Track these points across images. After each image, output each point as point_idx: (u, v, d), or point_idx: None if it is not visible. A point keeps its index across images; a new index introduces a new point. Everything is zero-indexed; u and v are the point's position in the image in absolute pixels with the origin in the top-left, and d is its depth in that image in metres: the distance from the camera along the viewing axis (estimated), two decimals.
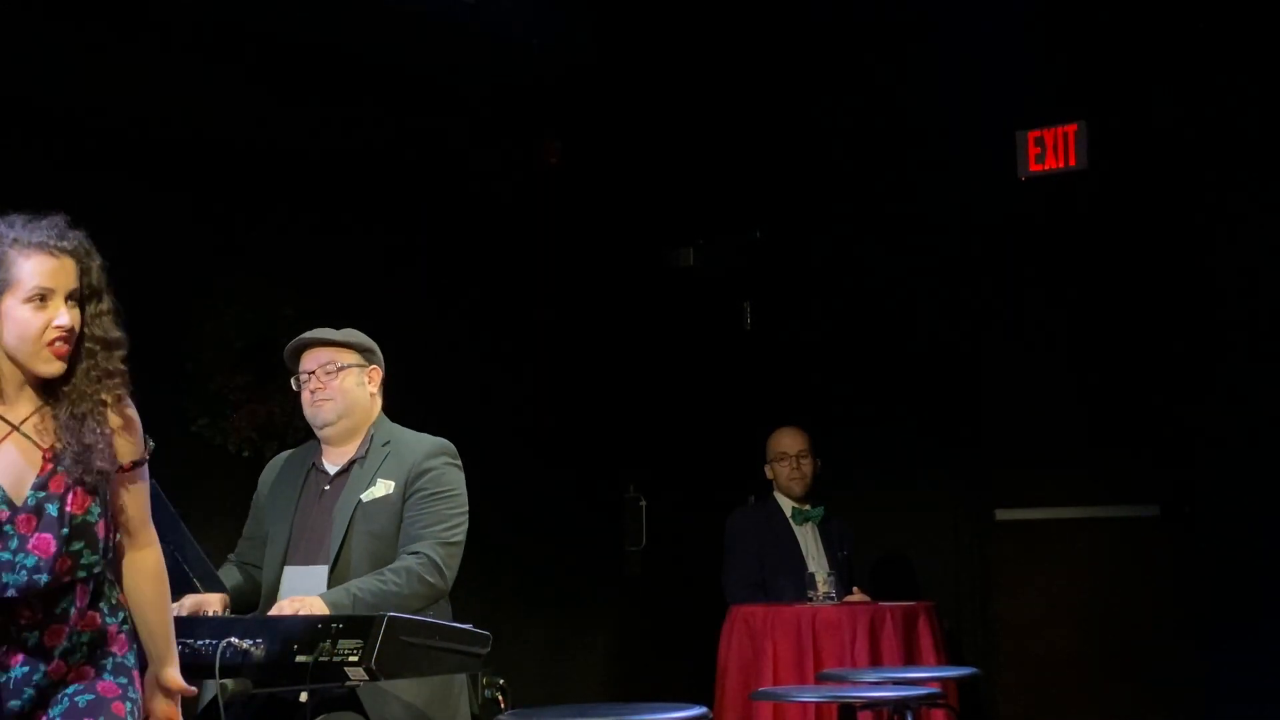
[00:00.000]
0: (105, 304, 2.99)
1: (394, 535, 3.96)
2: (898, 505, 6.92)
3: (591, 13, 6.41)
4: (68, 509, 2.88)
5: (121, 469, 2.98)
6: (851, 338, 7.15)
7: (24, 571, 2.84)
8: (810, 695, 4.93)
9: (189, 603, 3.79)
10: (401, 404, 4.26)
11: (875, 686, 4.66)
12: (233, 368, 5.44)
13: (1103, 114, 6.51)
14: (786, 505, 6.41)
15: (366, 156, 5.92)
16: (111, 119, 5.00)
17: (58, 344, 2.90)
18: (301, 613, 3.58)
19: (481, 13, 5.85)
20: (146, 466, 3.06)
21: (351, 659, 3.23)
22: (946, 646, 6.12)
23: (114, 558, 3.01)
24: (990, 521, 6.88)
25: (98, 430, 2.92)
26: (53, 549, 2.86)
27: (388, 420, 4.17)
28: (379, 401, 4.16)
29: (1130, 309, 6.50)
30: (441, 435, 4.17)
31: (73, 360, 2.94)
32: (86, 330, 2.95)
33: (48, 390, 2.94)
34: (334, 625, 3.32)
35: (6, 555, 2.83)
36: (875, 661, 5.68)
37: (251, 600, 4.07)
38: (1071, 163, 6.52)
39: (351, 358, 4.11)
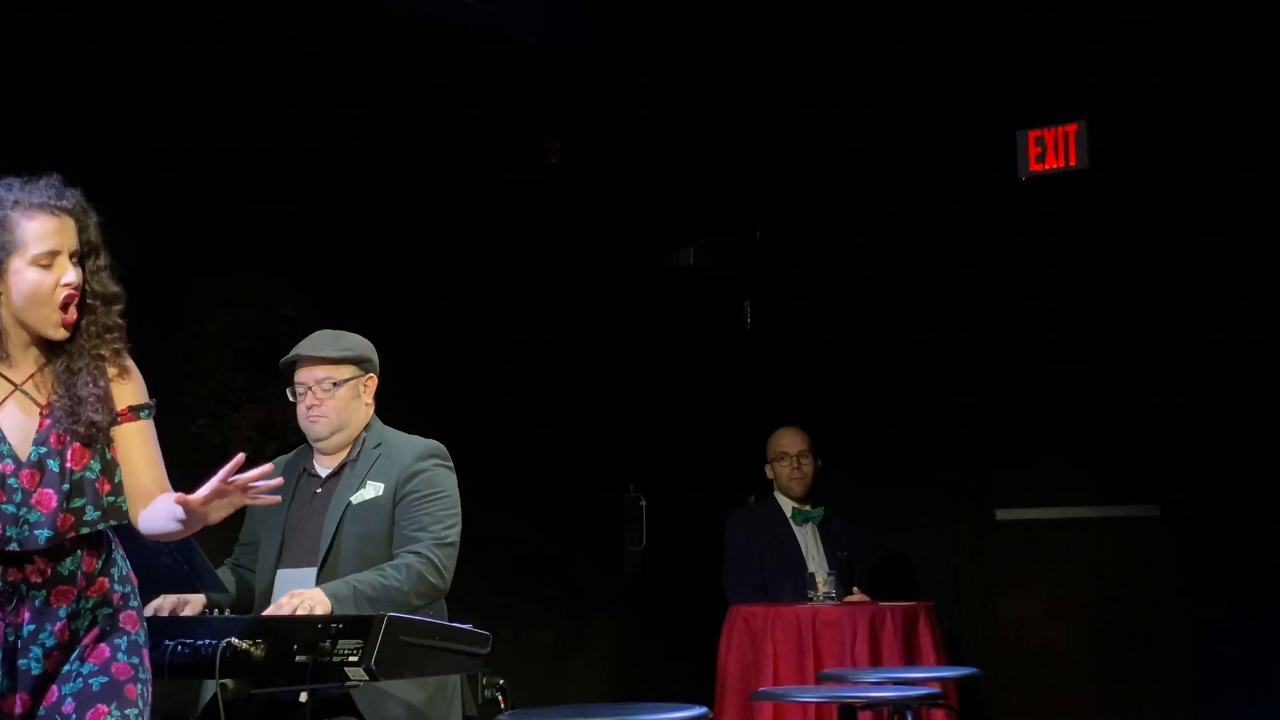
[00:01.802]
0: (103, 259, 3.05)
1: (383, 537, 3.97)
2: (898, 505, 6.92)
3: (591, 13, 6.41)
4: (68, 465, 2.93)
5: (121, 414, 3.01)
6: (851, 337, 7.15)
7: (26, 526, 2.88)
8: (810, 695, 4.93)
9: (169, 602, 3.79)
10: (401, 404, 4.26)
11: (875, 686, 4.66)
12: (233, 368, 5.44)
13: (1103, 114, 6.51)
14: (786, 505, 6.41)
15: (366, 156, 5.92)
16: (111, 119, 4.99)
17: (67, 304, 2.96)
18: (302, 608, 3.58)
19: (481, 13, 5.85)
20: (152, 423, 3.08)
21: (351, 659, 3.23)
22: (946, 646, 6.12)
23: (120, 521, 3.02)
24: (990, 521, 6.88)
25: (91, 384, 2.97)
26: (54, 504, 2.90)
27: (380, 423, 4.18)
28: (372, 407, 4.17)
29: (1130, 309, 6.50)
30: (441, 435, 4.17)
31: (76, 317, 3.00)
32: (87, 286, 3.01)
33: (51, 349, 3.00)
34: (334, 625, 3.32)
35: (10, 509, 2.88)
36: (875, 661, 5.68)
37: (246, 604, 4.08)
38: (1071, 163, 6.52)
39: (348, 372, 4.10)
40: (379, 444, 4.09)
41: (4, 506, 2.88)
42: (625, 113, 6.85)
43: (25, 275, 2.93)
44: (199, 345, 5.39)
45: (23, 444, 2.93)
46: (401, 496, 3.99)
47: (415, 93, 6.09)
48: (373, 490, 4.01)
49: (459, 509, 4.04)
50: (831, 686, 4.85)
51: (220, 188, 5.41)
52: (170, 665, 3.27)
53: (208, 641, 3.32)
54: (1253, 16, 6.12)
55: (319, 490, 4.09)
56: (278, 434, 5.34)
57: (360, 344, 4.17)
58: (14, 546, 2.87)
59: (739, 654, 5.96)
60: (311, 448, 4.18)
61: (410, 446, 4.08)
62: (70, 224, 2.99)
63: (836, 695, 4.64)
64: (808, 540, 6.35)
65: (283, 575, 4.00)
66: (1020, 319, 6.79)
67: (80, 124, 4.89)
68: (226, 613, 3.86)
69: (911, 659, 5.82)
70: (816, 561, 6.28)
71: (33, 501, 2.90)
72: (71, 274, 2.96)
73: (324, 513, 4.01)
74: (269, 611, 3.68)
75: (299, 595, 3.66)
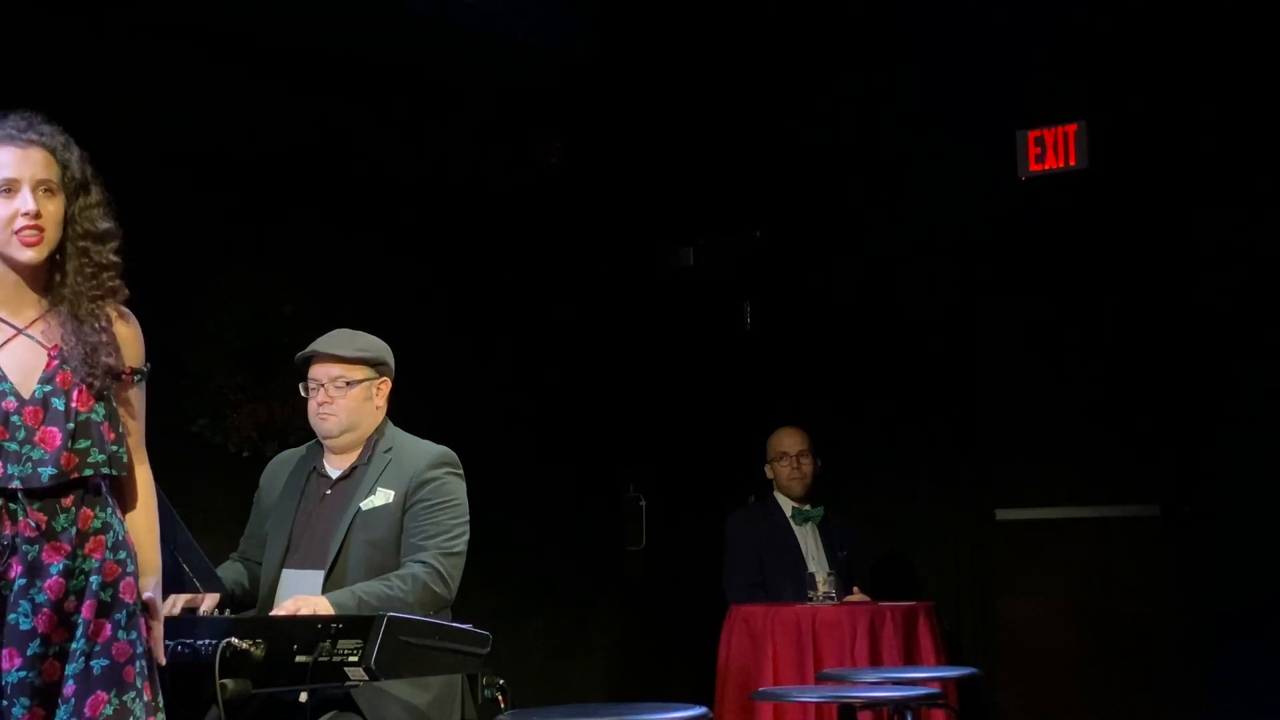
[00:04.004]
0: (93, 196, 3.02)
1: (392, 543, 3.96)
2: (898, 505, 6.92)
3: (591, 12, 6.41)
4: (73, 405, 2.90)
5: (124, 373, 3.00)
6: (851, 337, 7.15)
7: (29, 464, 2.85)
8: (810, 695, 4.93)
9: (182, 601, 3.79)
10: (401, 404, 4.26)
11: (875, 686, 4.66)
12: (233, 368, 5.44)
13: (1103, 114, 6.50)
14: (786, 505, 6.41)
15: (366, 156, 5.92)
16: (111, 119, 4.99)
17: (25, 231, 2.91)
18: (304, 612, 3.58)
19: (481, 13, 5.85)
20: (144, 387, 3.08)
21: (351, 659, 3.23)
22: (946, 646, 6.12)
23: (122, 475, 3.00)
24: (990, 521, 6.87)
25: (99, 328, 2.96)
26: (58, 442, 2.87)
27: (391, 426, 4.17)
28: (385, 411, 4.16)
29: (1130, 309, 6.50)
30: (440, 435, 4.17)
31: (65, 258, 2.97)
32: (75, 226, 2.98)
33: (49, 295, 2.98)
34: (334, 625, 3.32)
35: (14, 446, 2.85)
36: (875, 661, 5.68)
37: (253, 596, 4.08)
38: (1071, 163, 6.52)
39: (362, 373, 4.09)
40: (390, 448, 4.08)
41: (6, 444, 2.84)
42: (625, 113, 6.86)
43: None
44: (199, 345, 5.39)
45: (26, 382, 2.90)
46: (411, 504, 3.98)
47: (415, 93, 6.09)
48: (383, 497, 4.00)
49: (467, 517, 4.04)
50: (831, 686, 4.85)
51: (220, 188, 5.42)
52: (170, 665, 3.26)
53: (208, 641, 3.31)
54: (1253, 16, 6.12)
55: (329, 492, 4.08)
56: (278, 434, 5.35)
57: (378, 347, 4.17)
58: (16, 484, 2.83)
59: (739, 654, 5.96)
60: (322, 446, 4.18)
61: (422, 453, 4.07)
62: (38, 155, 2.95)
63: (836, 695, 4.65)
64: (808, 540, 6.35)
65: (288, 575, 4.00)
66: (1020, 319, 6.79)
67: (80, 125, 4.89)
68: (226, 613, 3.86)
69: (911, 659, 5.82)
70: (816, 561, 6.28)
71: (36, 439, 2.86)
72: (29, 203, 2.90)
73: (333, 516, 4.01)
74: (273, 613, 3.68)
75: (303, 602, 3.66)
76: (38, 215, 2.92)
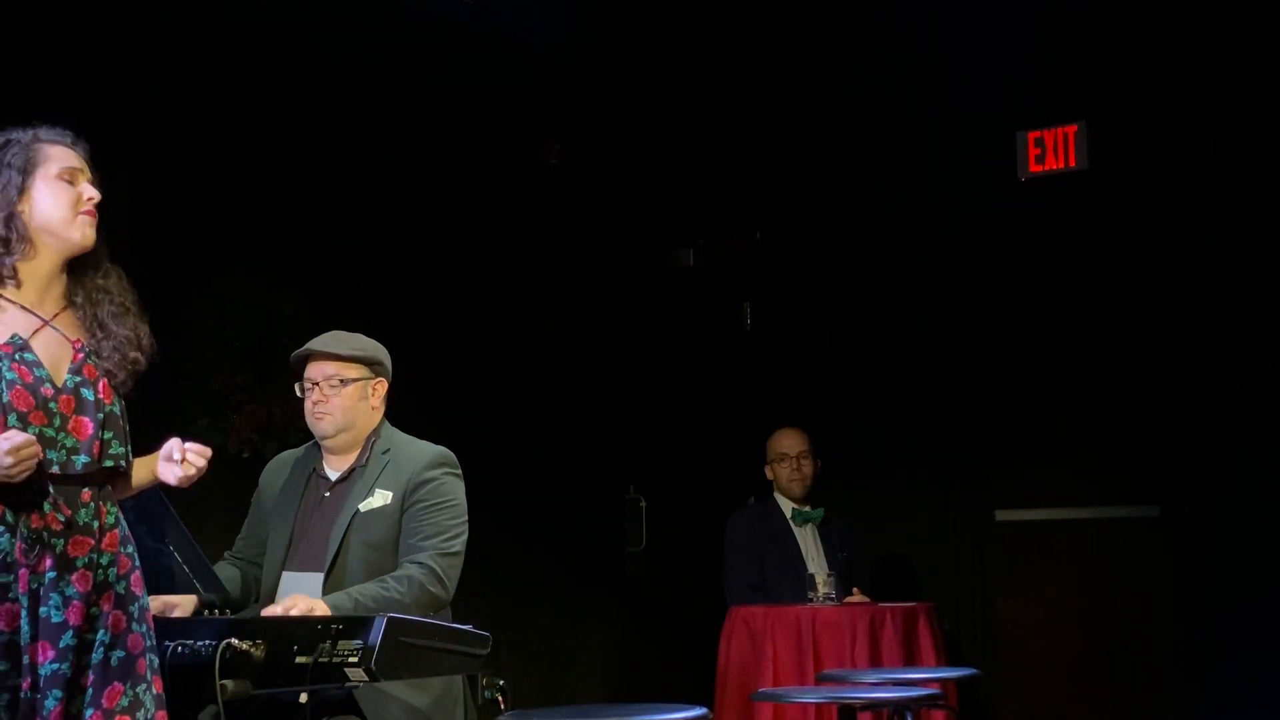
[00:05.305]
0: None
1: (391, 545, 3.96)
2: (898, 506, 6.92)
3: (592, 13, 6.41)
4: (100, 396, 3.02)
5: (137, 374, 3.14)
6: (851, 338, 7.15)
7: (64, 450, 2.96)
8: (810, 696, 4.93)
9: (155, 604, 3.77)
10: (401, 405, 4.26)
11: (875, 687, 4.66)
12: (233, 368, 5.44)
13: (1103, 114, 6.50)
14: (786, 506, 6.41)
15: (366, 156, 5.92)
16: (111, 120, 4.99)
17: (91, 210, 3.08)
18: (296, 610, 3.58)
19: (481, 13, 5.85)
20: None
21: (351, 660, 3.23)
22: (946, 647, 6.11)
23: (129, 471, 3.11)
24: (990, 522, 6.87)
25: (131, 325, 3.11)
26: (90, 431, 2.99)
27: (389, 427, 4.16)
28: (381, 412, 4.16)
29: (1130, 309, 6.50)
30: (441, 436, 4.17)
31: (101, 263, 3.14)
32: None
33: (73, 293, 3.10)
34: (334, 626, 3.32)
35: (50, 432, 2.95)
36: (875, 662, 5.68)
37: (250, 598, 4.08)
38: (1071, 163, 6.51)
39: (357, 371, 4.09)
40: (388, 449, 4.08)
41: (45, 430, 2.93)
42: (625, 112, 6.85)
43: (49, 189, 3.06)
44: (199, 346, 5.39)
45: (57, 371, 3.00)
46: (409, 505, 3.98)
47: (415, 93, 6.09)
48: (381, 498, 4.00)
49: (465, 518, 4.04)
50: (831, 687, 4.85)
51: (220, 188, 5.41)
52: (170, 666, 3.27)
53: (208, 642, 3.31)
54: (1253, 16, 6.12)
55: (327, 494, 4.08)
56: (278, 435, 5.35)
57: (373, 347, 4.16)
58: (55, 470, 2.93)
59: (739, 654, 5.96)
60: (321, 447, 4.17)
61: (419, 454, 4.07)
62: (85, 163, 3.14)
63: (836, 696, 4.64)
64: (807, 541, 6.34)
65: (288, 577, 4.00)
66: (1020, 319, 6.79)
67: (81, 125, 4.89)
68: (226, 613, 3.86)
69: (911, 660, 5.82)
70: (816, 562, 6.27)
71: (69, 427, 2.97)
72: (93, 190, 3.09)
73: (332, 519, 4.00)
74: (267, 612, 3.68)
75: (296, 599, 3.65)
76: (99, 204, 3.11)
